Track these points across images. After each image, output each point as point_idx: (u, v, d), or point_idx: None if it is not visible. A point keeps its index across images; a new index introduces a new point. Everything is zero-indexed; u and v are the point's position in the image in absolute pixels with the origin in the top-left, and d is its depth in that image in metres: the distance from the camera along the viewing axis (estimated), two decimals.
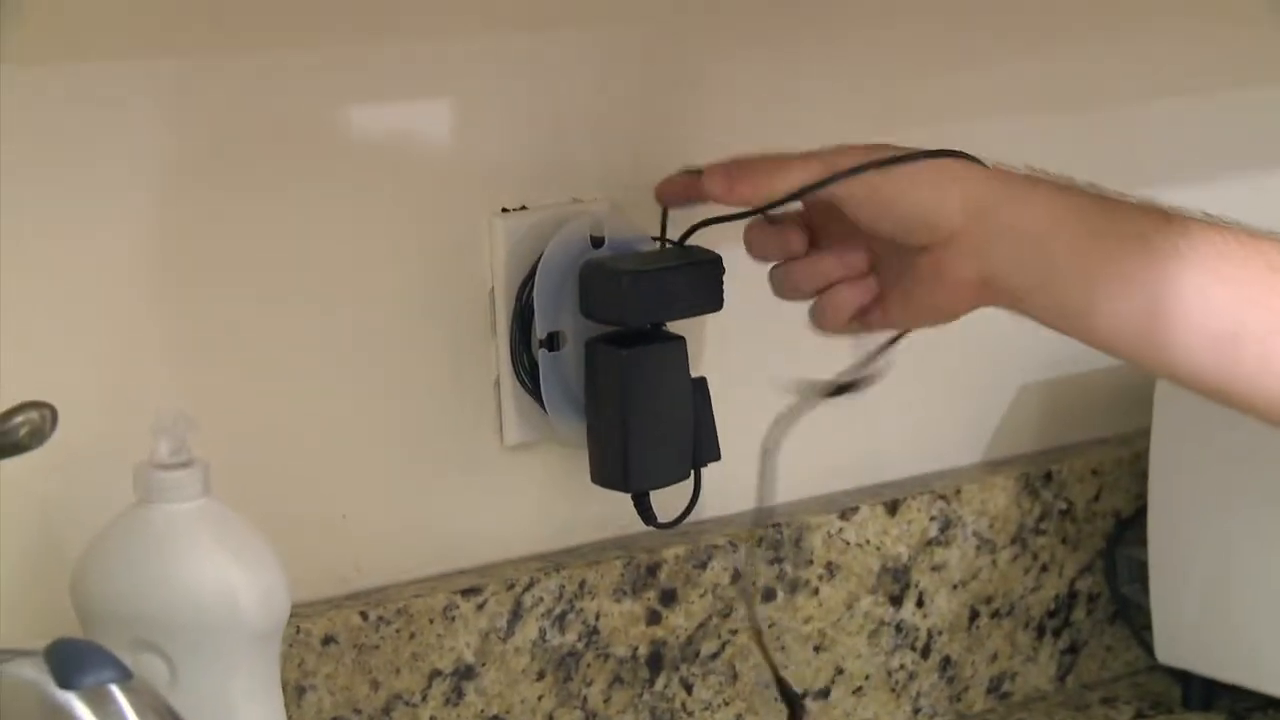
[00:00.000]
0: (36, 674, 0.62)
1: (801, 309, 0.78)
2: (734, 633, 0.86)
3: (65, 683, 0.62)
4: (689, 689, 0.86)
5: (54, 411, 0.64)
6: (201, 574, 0.71)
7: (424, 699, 0.79)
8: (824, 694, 0.88)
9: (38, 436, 0.64)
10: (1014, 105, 1.00)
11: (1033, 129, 0.99)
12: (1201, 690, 0.91)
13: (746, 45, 0.89)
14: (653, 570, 0.84)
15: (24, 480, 0.69)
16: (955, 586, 0.91)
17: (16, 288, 0.72)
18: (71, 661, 0.63)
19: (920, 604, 0.90)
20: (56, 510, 0.75)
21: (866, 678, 0.89)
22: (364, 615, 0.77)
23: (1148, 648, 0.92)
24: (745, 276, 0.81)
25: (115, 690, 0.61)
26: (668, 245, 0.80)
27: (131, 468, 0.68)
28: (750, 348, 0.87)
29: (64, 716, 0.61)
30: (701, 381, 0.80)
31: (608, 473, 0.80)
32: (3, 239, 0.71)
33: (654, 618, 0.85)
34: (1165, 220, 0.70)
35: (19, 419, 0.64)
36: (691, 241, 0.81)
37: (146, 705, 0.61)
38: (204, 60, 0.75)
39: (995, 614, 0.92)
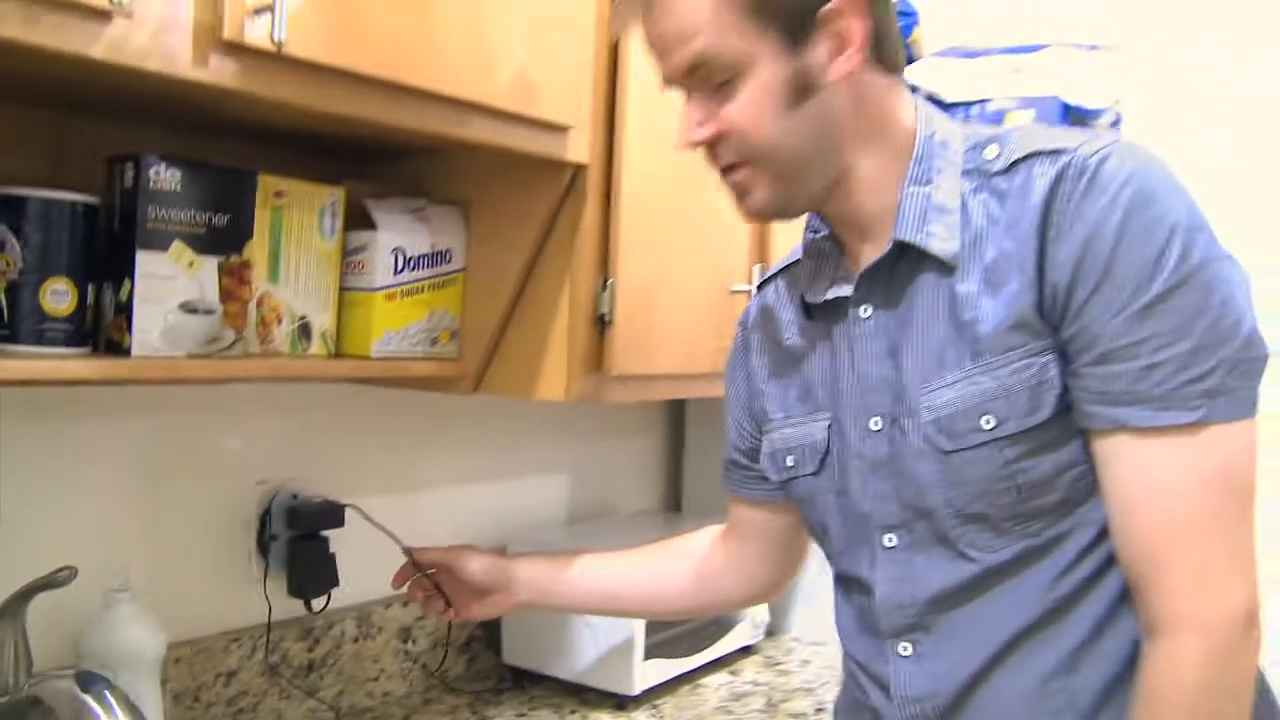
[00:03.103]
0: (69, 685, 1.05)
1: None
2: (341, 652, 1.62)
3: (84, 690, 1.03)
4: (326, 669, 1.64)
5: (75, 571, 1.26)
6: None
7: None
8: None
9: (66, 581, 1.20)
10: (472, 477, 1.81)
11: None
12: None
13: (364, 426, 1.66)
14: (311, 629, 1.60)
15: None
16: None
17: None
18: (85, 679, 1.05)
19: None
20: None
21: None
22: None
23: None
24: (359, 519, 1.50)
25: (108, 694, 1.02)
26: (327, 502, 1.58)
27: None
28: (365, 541, 1.57)
29: (82, 706, 1.01)
30: (334, 555, 1.59)
31: (297, 590, 1.57)
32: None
33: (313, 648, 1.61)
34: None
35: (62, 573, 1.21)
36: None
37: (122, 701, 1.02)
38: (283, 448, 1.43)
39: None
